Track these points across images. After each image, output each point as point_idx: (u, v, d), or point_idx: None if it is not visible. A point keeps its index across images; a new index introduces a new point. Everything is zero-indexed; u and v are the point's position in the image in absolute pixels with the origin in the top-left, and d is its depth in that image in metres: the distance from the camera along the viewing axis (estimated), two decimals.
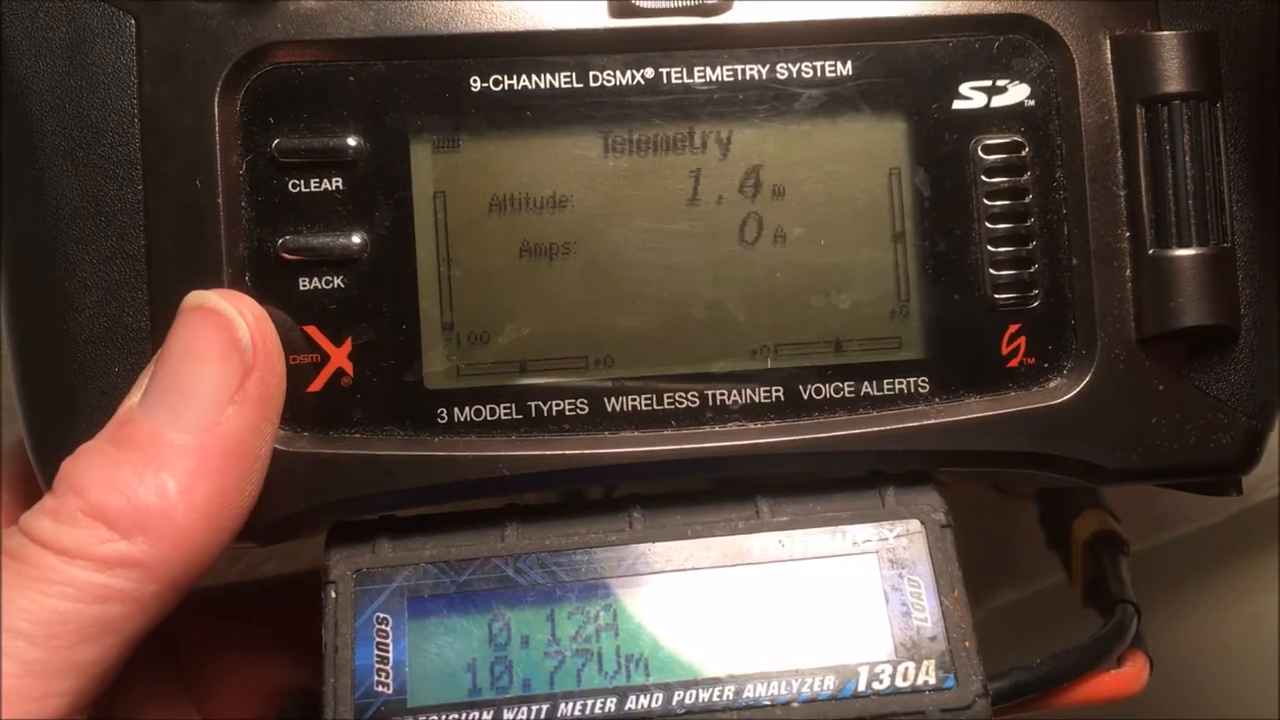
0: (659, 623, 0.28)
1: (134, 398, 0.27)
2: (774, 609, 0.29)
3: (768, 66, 0.30)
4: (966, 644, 0.28)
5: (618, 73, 0.30)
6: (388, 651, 0.28)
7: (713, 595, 0.29)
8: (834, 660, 0.28)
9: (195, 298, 0.27)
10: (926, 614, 0.29)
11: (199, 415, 0.26)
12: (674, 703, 0.28)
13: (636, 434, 0.30)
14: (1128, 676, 0.31)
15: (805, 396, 0.30)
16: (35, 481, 0.30)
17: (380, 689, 0.27)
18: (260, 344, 0.27)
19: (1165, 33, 0.30)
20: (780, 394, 0.30)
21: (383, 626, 0.28)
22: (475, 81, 0.29)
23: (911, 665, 0.28)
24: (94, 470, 0.26)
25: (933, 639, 0.28)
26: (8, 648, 0.24)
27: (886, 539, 0.29)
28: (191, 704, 0.34)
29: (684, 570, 0.29)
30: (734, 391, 0.30)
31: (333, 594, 0.28)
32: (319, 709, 0.27)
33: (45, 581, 0.25)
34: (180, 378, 0.26)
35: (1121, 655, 0.32)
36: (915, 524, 0.29)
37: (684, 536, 0.29)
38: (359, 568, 0.28)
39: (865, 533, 0.29)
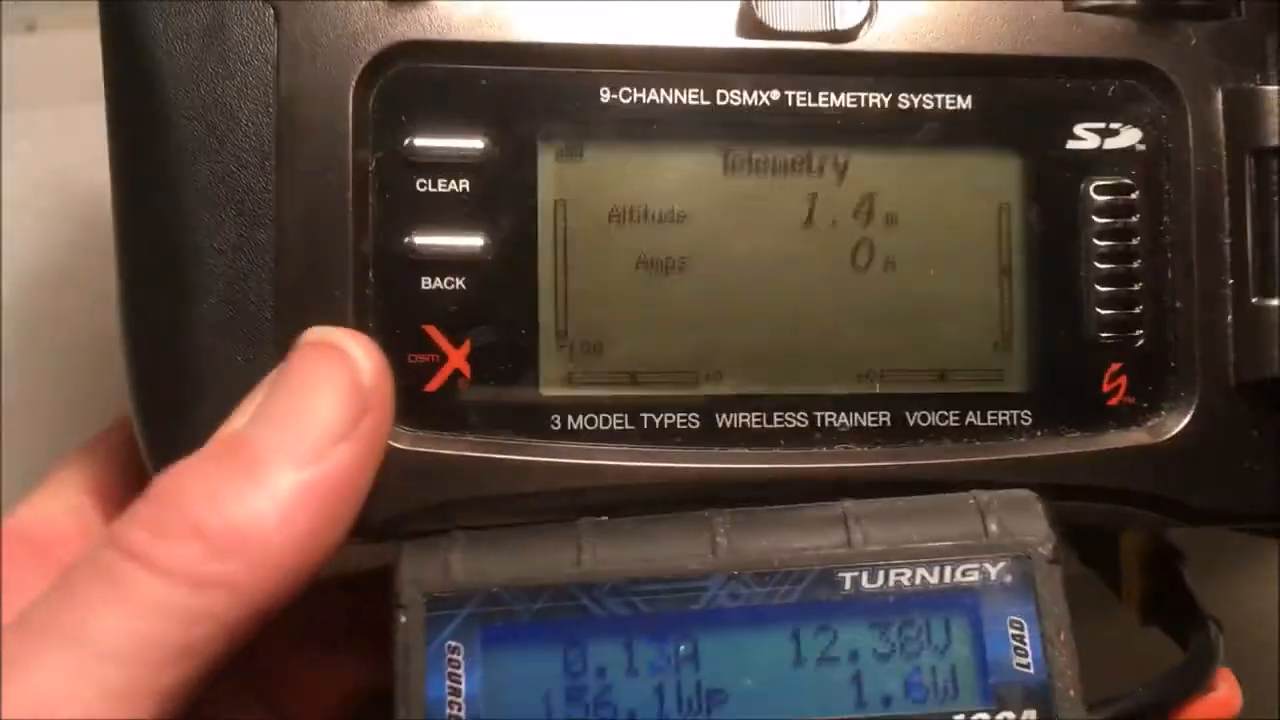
0: (742, 657, 0.28)
1: (240, 420, 0.26)
2: (863, 648, 0.28)
3: (890, 95, 0.31)
4: (1071, 692, 0.27)
5: (743, 92, 0.30)
6: (460, 683, 0.27)
7: (799, 631, 0.28)
8: (929, 709, 0.27)
9: (320, 333, 0.27)
10: (1029, 659, 0.28)
11: (310, 447, 0.26)
12: None
13: (746, 451, 0.30)
14: (1225, 700, 0.31)
15: (911, 423, 0.30)
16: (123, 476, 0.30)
17: None
18: (378, 388, 0.27)
19: (1275, 88, 0.31)
20: (887, 419, 0.30)
21: (454, 656, 0.27)
22: (605, 92, 0.30)
23: (1011, 715, 0.27)
24: (197, 485, 0.25)
25: (1035, 687, 0.27)
26: (91, 671, 0.24)
27: (989, 575, 0.28)
28: (261, 703, 0.34)
29: (769, 605, 0.28)
30: (842, 414, 0.30)
31: (403, 619, 0.27)
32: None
33: (134, 602, 0.24)
34: (296, 407, 0.26)
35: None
36: (1021, 559, 0.28)
37: (770, 567, 0.28)
38: (429, 591, 0.27)
39: (966, 568, 0.28)
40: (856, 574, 0.28)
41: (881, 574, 0.28)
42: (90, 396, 0.40)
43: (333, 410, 0.26)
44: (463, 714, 0.27)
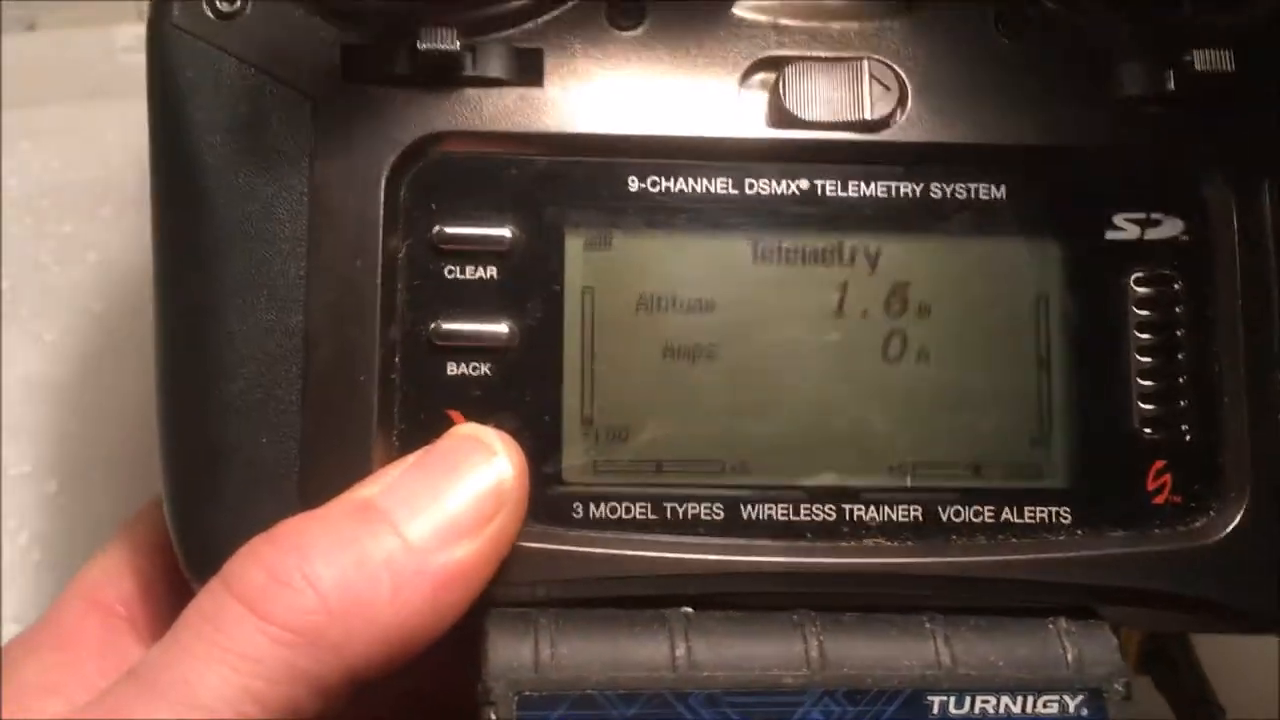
0: None
1: (374, 487, 0.27)
2: None
3: (922, 185, 0.30)
4: None
5: (773, 182, 0.30)
6: None
7: None
8: None
9: (474, 429, 0.28)
10: None
11: (441, 533, 0.26)
12: None
13: (771, 544, 0.29)
14: None
15: (944, 519, 0.30)
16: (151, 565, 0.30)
17: None
18: (515, 493, 0.27)
19: None
20: (919, 514, 0.30)
21: None
22: (633, 181, 0.30)
23: None
24: (322, 537, 0.26)
25: None
26: None
27: (1067, 708, 0.28)
28: None
29: None
30: (872, 508, 0.30)
31: (493, 716, 0.27)
32: None
33: (236, 655, 0.25)
34: (435, 490, 0.27)
35: None
36: (1096, 694, 0.28)
37: (863, 685, 0.28)
38: (521, 689, 0.27)
39: (1047, 699, 0.28)
40: (945, 699, 0.28)
41: (969, 700, 0.28)
42: (90, 395, 0.41)
43: (468, 504, 0.27)
44: None
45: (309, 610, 0.25)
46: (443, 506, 0.27)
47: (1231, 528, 0.29)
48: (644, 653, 0.27)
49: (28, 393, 0.43)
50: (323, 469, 0.28)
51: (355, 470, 0.28)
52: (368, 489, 0.27)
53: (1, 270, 0.43)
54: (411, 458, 0.28)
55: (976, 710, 0.28)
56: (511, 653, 0.27)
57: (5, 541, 0.42)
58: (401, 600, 0.25)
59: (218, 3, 0.29)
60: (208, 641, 0.25)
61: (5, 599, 0.41)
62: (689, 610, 0.28)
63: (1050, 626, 0.29)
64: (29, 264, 0.43)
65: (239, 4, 0.29)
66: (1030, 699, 0.28)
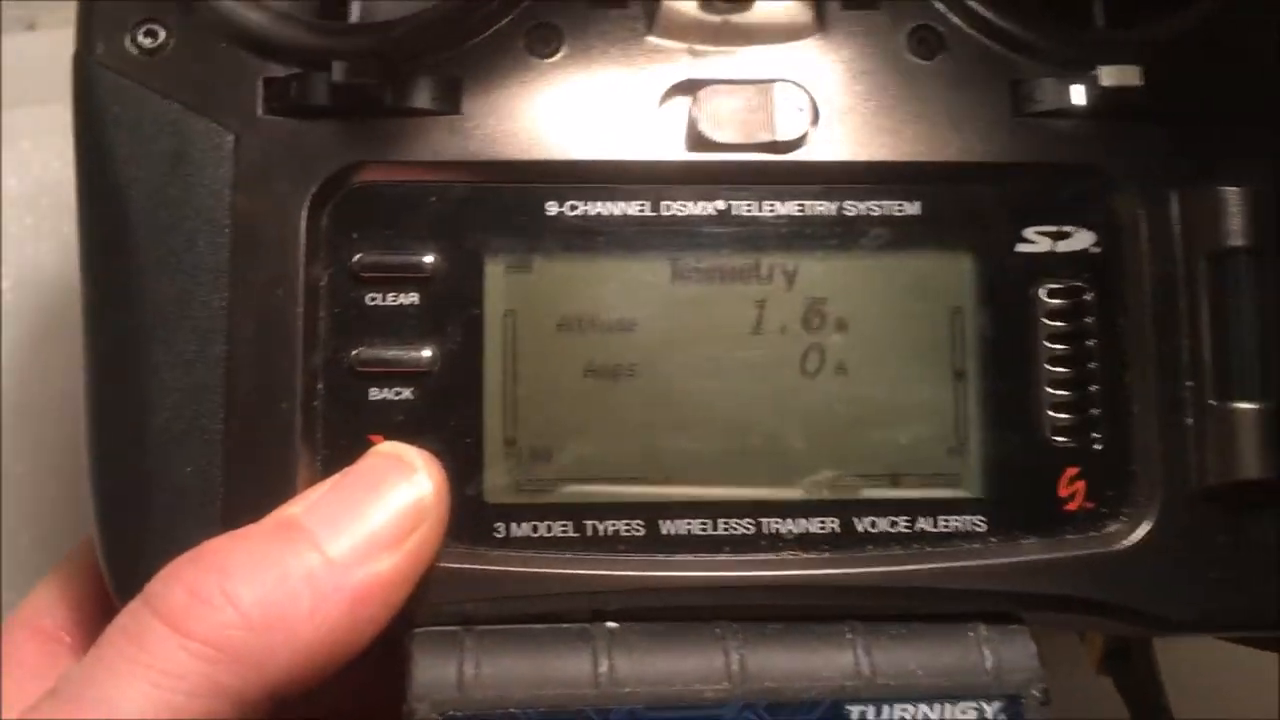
0: None
1: (297, 506, 0.28)
2: None
3: (836, 204, 0.31)
4: None
5: (689, 203, 0.31)
6: None
7: None
8: None
9: (394, 447, 0.29)
10: None
11: (361, 549, 0.27)
12: None
13: (690, 558, 0.30)
14: None
15: (860, 529, 0.30)
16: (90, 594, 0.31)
17: None
18: (435, 510, 0.28)
19: (1230, 189, 0.30)
20: (835, 525, 0.30)
21: None
22: (551, 206, 0.31)
23: None
24: (244, 555, 0.27)
25: None
26: None
27: (985, 714, 0.28)
28: None
29: None
30: (789, 521, 0.30)
31: None
32: None
33: (157, 671, 0.25)
34: (356, 507, 0.27)
35: None
36: (1014, 700, 0.28)
37: (784, 697, 0.28)
38: (445, 709, 0.27)
39: (965, 705, 0.28)
40: (864, 709, 0.28)
41: (887, 709, 0.28)
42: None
43: (388, 520, 0.27)
44: None
45: (229, 626, 0.26)
46: (363, 522, 0.27)
47: (1143, 533, 0.30)
48: (567, 670, 0.28)
49: (29, 392, 0.43)
50: (246, 495, 0.29)
51: (279, 495, 0.28)
52: (291, 508, 0.28)
53: (1, 270, 0.43)
54: (334, 478, 0.28)
55: (895, 719, 0.28)
56: (436, 673, 0.28)
57: (5, 542, 0.42)
58: (321, 615, 0.26)
59: (141, 39, 0.30)
60: (129, 658, 0.25)
61: (5, 599, 0.41)
62: (613, 625, 0.29)
63: (970, 634, 0.29)
64: (29, 264, 0.43)
65: (162, 40, 0.30)
66: (948, 706, 0.28)
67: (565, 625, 0.29)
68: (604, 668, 0.28)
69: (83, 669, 0.26)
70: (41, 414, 0.43)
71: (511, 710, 0.27)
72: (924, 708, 0.28)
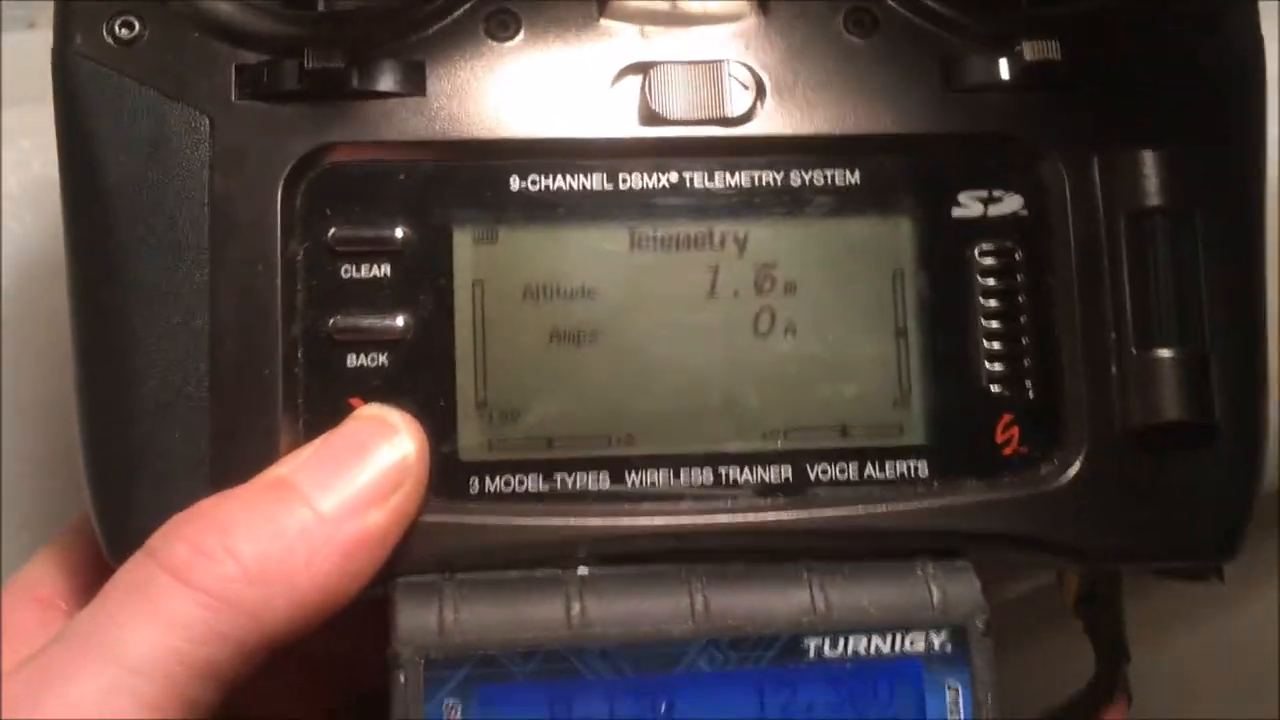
0: (714, 713, 0.30)
1: (286, 466, 0.29)
2: (819, 703, 0.30)
3: (782, 173, 0.33)
4: None
5: (644, 175, 0.33)
6: None
7: (766, 690, 0.30)
8: None
9: (378, 409, 0.31)
10: (961, 718, 0.30)
11: (348, 504, 0.29)
12: None
13: (654, 507, 0.32)
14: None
15: (812, 477, 0.32)
16: (86, 563, 0.32)
17: None
18: (416, 468, 0.30)
19: (1147, 152, 0.33)
20: (789, 474, 0.32)
21: (453, 714, 0.29)
22: (514, 181, 0.32)
23: None
24: (240, 513, 0.28)
25: None
26: (124, 684, 0.26)
27: (933, 645, 0.30)
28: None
29: (742, 669, 0.30)
30: (746, 470, 0.32)
31: (402, 679, 0.29)
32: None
33: (164, 617, 0.27)
34: (342, 467, 0.29)
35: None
36: (960, 630, 0.30)
37: (745, 633, 0.30)
38: (427, 653, 0.29)
39: (913, 637, 0.30)
40: (820, 642, 0.30)
41: (842, 642, 0.30)
42: None
43: (374, 477, 0.29)
44: None
45: (231, 578, 0.27)
46: (351, 480, 0.29)
47: (1072, 473, 0.32)
48: (541, 614, 0.30)
49: (29, 391, 0.43)
50: (233, 458, 0.30)
51: (264, 458, 0.30)
52: (280, 469, 0.29)
53: (2, 268, 0.43)
54: (320, 439, 0.30)
55: (849, 650, 0.30)
56: (417, 619, 0.29)
57: (5, 542, 0.42)
58: (315, 567, 0.28)
59: (118, 30, 0.31)
60: (135, 607, 0.27)
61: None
62: (584, 571, 0.31)
63: (918, 571, 0.31)
64: (29, 262, 0.43)
65: (137, 31, 0.31)
66: (898, 637, 0.30)
67: (539, 573, 0.31)
68: (576, 610, 0.30)
69: (88, 618, 0.28)
70: (42, 413, 0.43)
71: (489, 652, 0.29)
72: (876, 639, 0.30)
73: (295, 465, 0.29)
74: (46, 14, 0.45)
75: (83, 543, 0.33)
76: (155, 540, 0.28)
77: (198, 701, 0.27)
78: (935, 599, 0.31)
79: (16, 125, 0.44)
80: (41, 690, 0.26)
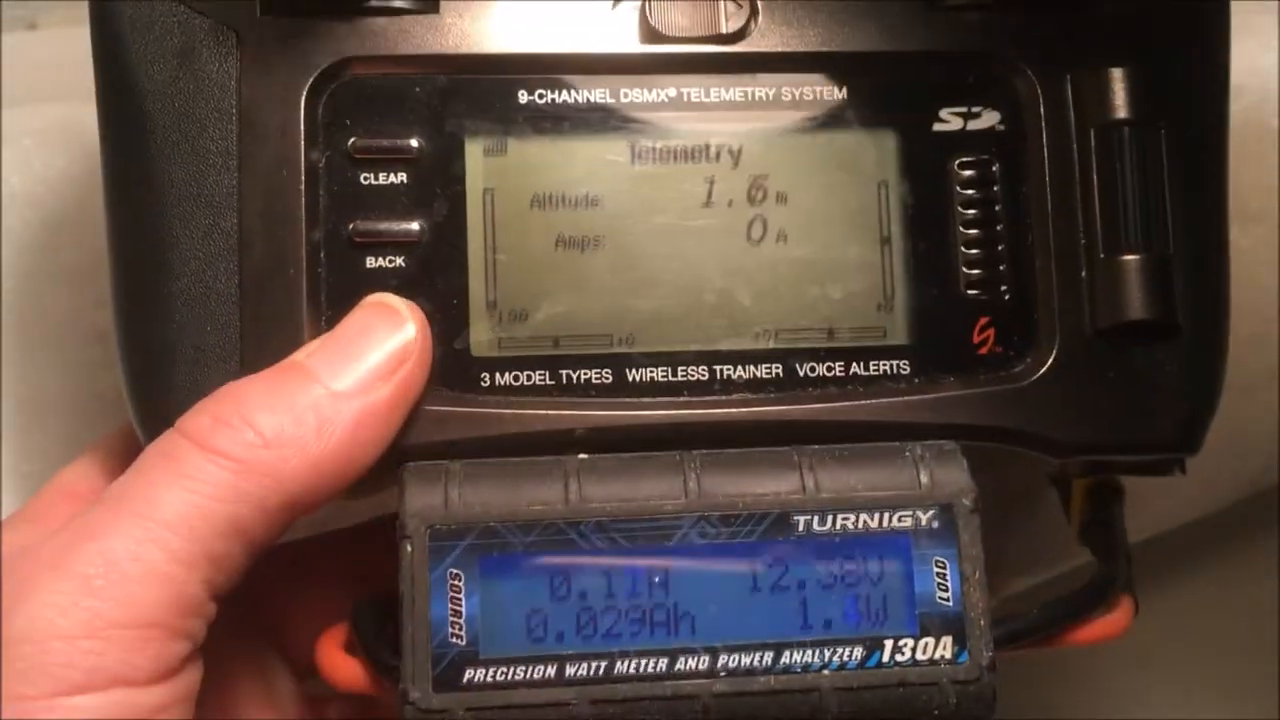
0: (707, 586, 0.31)
1: (302, 353, 0.32)
2: (810, 579, 0.32)
3: (774, 89, 0.35)
4: (981, 622, 0.31)
5: (644, 90, 0.35)
6: (460, 606, 0.31)
7: (758, 564, 0.32)
8: (863, 631, 0.31)
9: (381, 297, 0.33)
10: (950, 593, 0.32)
11: (357, 380, 0.31)
12: (718, 665, 0.31)
13: (652, 400, 0.34)
14: (1111, 622, 0.35)
15: (801, 374, 0.35)
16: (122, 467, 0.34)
17: (455, 640, 0.30)
18: (419, 345, 0.32)
19: (1114, 69, 0.35)
20: (779, 371, 0.34)
21: (456, 582, 0.31)
22: (522, 94, 0.34)
23: (931, 641, 0.31)
24: (257, 392, 0.31)
25: (952, 617, 0.31)
26: (155, 537, 0.29)
27: (920, 521, 0.32)
28: (283, 659, 0.38)
29: (733, 543, 0.32)
30: (739, 368, 0.34)
31: (408, 548, 0.31)
32: (387, 616, 0.31)
33: (189, 478, 0.29)
34: (350, 349, 0.31)
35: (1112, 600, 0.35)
36: (947, 509, 0.32)
37: (736, 509, 0.32)
38: (432, 524, 0.31)
39: (901, 514, 0.32)
40: (809, 518, 0.32)
41: (830, 518, 0.32)
42: (91, 391, 0.43)
43: (380, 357, 0.31)
44: (463, 633, 0.30)
45: (248, 443, 0.30)
46: (359, 360, 0.31)
47: (1044, 370, 0.34)
48: (541, 492, 0.32)
49: (33, 392, 0.44)
50: (261, 351, 0.32)
51: (289, 351, 0.32)
52: (297, 355, 0.32)
53: (3, 268, 0.43)
54: (332, 330, 0.32)
55: (838, 526, 0.32)
56: (424, 496, 0.32)
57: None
58: (327, 434, 0.30)
59: None
60: (163, 470, 0.29)
61: None
62: (584, 456, 0.33)
63: (907, 454, 0.33)
64: (31, 263, 0.44)
65: None
66: (887, 515, 0.32)
67: (541, 458, 0.33)
68: (574, 489, 0.32)
69: (122, 483, 0.30)
70: (46, 414, 0.44)
71: (490, 524, 0.31)
72: (864, 516, 0.32)
73: (309, 351, 0.32)
74: (47, 15, 0.47)
75: (121, 447, 0.35)
76: (182, 418, 0.31)
77: (224, 556, 0.29)
78: (923, 480, 0.32)
79: (18, 126, 0.44)
80: (78, 544, 0.29)
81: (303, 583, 0.38)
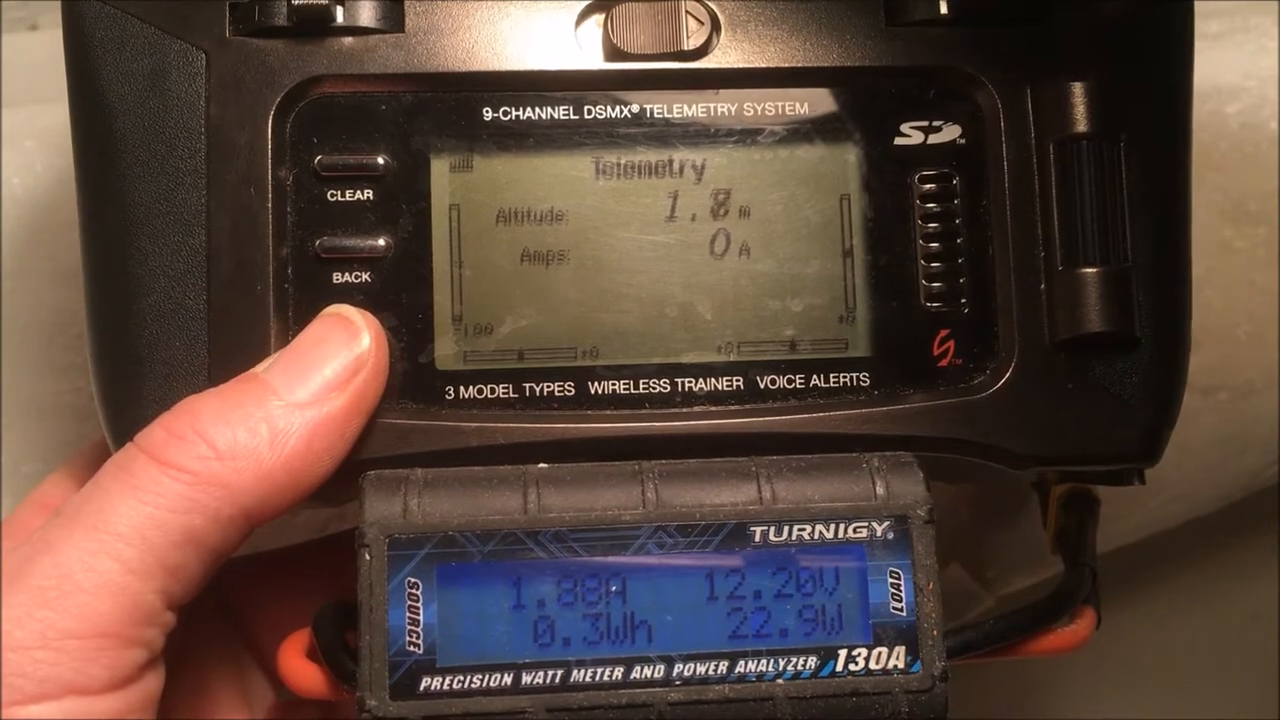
0: (663, 595, 0.32)
1: (260, 367, 0.32)
2: (766, 588, 0.32)
3: (736, 105, 0.35)
4: (934, 633, 0.32)
5: (608, 107, 0.35)
6: (418, 614, 0.31)
7: (715, 573, 0.32)
8: (817, 641, 0.32)
9: (338, 308, 0.33)
10: (904, 603, 0.32)
11: (311, 391, 0.32)
12: (674, 674, 0.31)
13: (614, 413, 0.34)
14: (1070, 634, 0.35)
15: (762, 386, 0.35)
16: None
17: (411, 648, 0.31)
18: (374, 356, 0.33)
19: (1074, 83, 0.35)
20: (740, 383, 0.35)
21: (414, 591, 0.31)
22: (487, 111, 0.35)
23: (884, 650, 0.32)
24: (211, 406, 0.31)
25: (905, 627, 0.32)
26: (110, 548, 0.29)
27: (875, 532, 0.32)
28: (257, 664, 0.39)
29: (690, 552, 0.32)
30: (700, 380, 0.35)
31: (367, 557, 0.31)
32: (349, 623, 0.32)
33: (143, 490, 0.30)
34: (305, 360, 0.32)
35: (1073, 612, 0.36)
36: (903, 520, 0.32)
37: (693, 519, 0.32)
38: (391, 533, 0.31)
39: (857, 525, 0.32)
40: (765, 528, 0.32)
41: (786, 529, 0.33)
42: (90, 391, 0.42)
43: (334, 366, 0.32)
44: (420, 641, 0.31)
45: (201, 456, 0.30)
46: (313, 371, 0.32)
47: (1002, 382, 0.35)
48: (500, 501, 0.32)
49: (33, 393, 0.44)
50: (229, 366, 0.33)
51: (256, 365, 0.33)
52: (255, 368, 0.32)
53: (3, 269, 0.44)
54: (291, 342, 0.33)
55: (794, 537, 0.32)
56: (384, 505, 0.32)
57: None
58: (280, 445, 0.31)
59: None
60: (118, 482, 0.30)
61: None
62: (544, 466, 0.33)
63: (864, 466, 0.34)
64: (31, 263, 0.44)
65: None
66: (842, 525, 0.33)
67: (501, 468, 0.33)
68: (533, 498, 0.32)
69: (80, 497, 0.31)
70: (46, 414, 0.44)
71: (449, 533, 0.32)
72: (820, 526, 0.33)
73: (267, 364, 0.32)
74: (48, 15, 0.47)
75: (97, 462, 0.36)
76: (141, 433, 0.31)
77: (179, 567, 0.30)
78: (879, 491, 0.33)
79: (19, 126, 0.45)
80: (35, 558, 0.30)
81: (279, 590, 0.39)
